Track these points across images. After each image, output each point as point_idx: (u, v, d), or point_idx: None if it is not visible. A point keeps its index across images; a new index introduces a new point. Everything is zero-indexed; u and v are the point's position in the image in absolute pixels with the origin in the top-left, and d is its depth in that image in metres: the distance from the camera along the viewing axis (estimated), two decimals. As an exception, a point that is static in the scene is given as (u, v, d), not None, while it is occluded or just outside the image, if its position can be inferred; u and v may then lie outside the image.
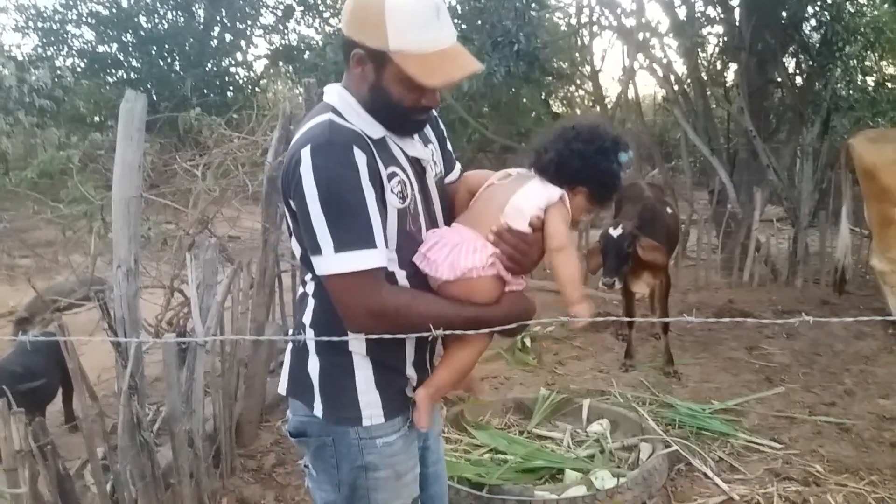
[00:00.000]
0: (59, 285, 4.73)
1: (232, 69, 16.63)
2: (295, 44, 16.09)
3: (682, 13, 8.16)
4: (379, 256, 1.38)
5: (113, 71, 15.51)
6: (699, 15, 8.22)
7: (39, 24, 14.62)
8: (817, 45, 7.45)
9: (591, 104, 14.14)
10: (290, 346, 1.58)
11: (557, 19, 11.48)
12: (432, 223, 1.55)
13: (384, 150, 1.44)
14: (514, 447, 3.39)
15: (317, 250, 1.38)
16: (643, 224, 4.47)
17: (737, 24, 7.76)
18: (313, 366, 1.52)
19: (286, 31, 16.68)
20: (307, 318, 1.53)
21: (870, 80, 8.40)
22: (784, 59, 8.07)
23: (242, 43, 16.62)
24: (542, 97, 12.10)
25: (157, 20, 15.51)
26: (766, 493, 3.05)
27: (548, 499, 2.86)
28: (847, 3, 7.28)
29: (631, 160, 1.57)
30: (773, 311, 6.14)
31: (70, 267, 4.94)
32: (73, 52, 15.30)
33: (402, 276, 1.49)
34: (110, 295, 2.62)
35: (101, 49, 15.27)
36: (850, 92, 7.66)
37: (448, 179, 1.69)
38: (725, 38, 8.24)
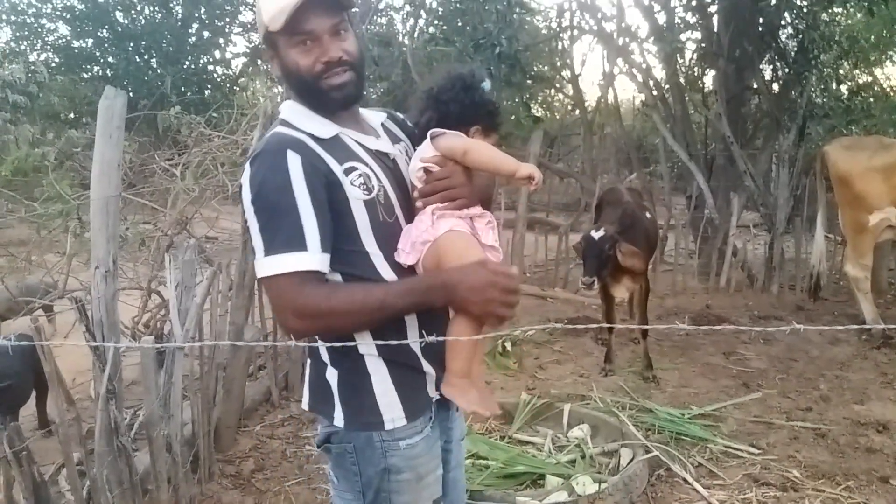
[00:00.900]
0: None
1: (210, 67, 16.47)
2: (274, 42, 15.94)
3: (661, 19, 8.24)
4: (309, 259, 1.37)
5: (88, 67, 15.28)
6: (678, 21, 8.29)
7: (13, 18, 14.35)
8: (793, 53, 7.55)
9: (570, 108, 14.23)
10: (308, 361, 1.59)
11: (538, 23, 11.54)
12: (413, 216, 1.54)
13: (339, 148, 1.47)
14: (495, 452, 3.38)
15: (254, 254, 1.42)
16: (623, 229, 4.50)
17: (715, 30, 7.84)
18: (331, 376, 1.52)
19: (265, 29, 16.52)
20: (292, 340, 1.58)
21: (844, 89, 8.54)
22: (761, 66, 8.17)
23: (221, 40, 16.48)
24: (523, 100, 12.12)
25: (133, 16, 15.31)
26: (744, 499, 3.08)
27: (529, 504, 2.86)
28: (823, 13, 7.39)
29: (490, 85, 1.64)
30: (750, 317, 6.22)
31: (44, 267, 4.84)
32: (48, 46, 15.04)
33: (391, 276, 1.49)
34: (88, 297, 2.57)
35: (76, 44, 15.04)
36: (825, 100, 7.77)
37: None
38: (704, 45, 8.32)
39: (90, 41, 14.94)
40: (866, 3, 6.73)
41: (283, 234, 1.37)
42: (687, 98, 8.55)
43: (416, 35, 9.12)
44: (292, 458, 3.58)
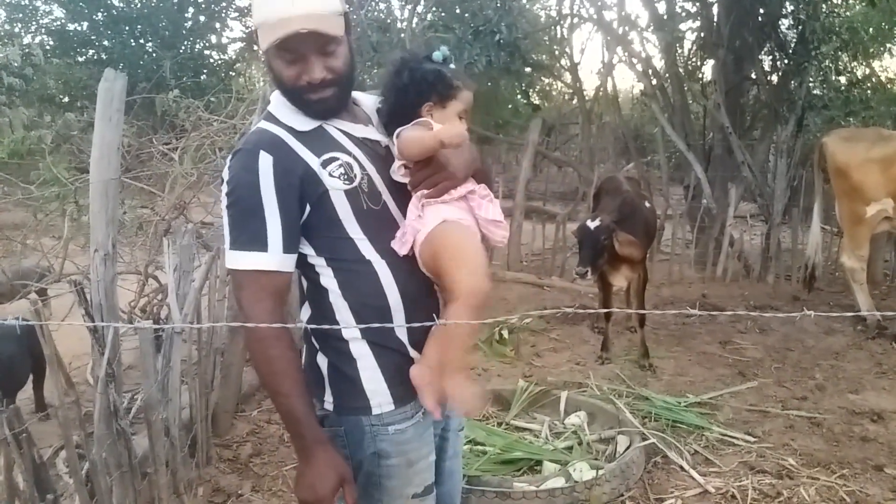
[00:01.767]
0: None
1: (206, 52, 16.36)
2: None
3: (661, 8, 8.22)
4: (267, 259, 1.43)
5: (84, 50, 15.17)
6: (679, 10, 8.27)
7: (7, 1, 14.23)
8: (793, 44, 7.53)
9: (569, 97, 14.19)
10: (304, 346, 1.61)
11: (538, 10, 11.49)
12: (405, 201, 1.54)
13: (319, 139, 1.48)
14: (492, 438, 3.40)
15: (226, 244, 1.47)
16: (622, 218, 4.49)
17: (715, 20, 7.82)
18: (322, 361, 1.55)
19: (262, 14, 16.41)
20: (304, 315, 1.56)
21: (843, 80, 8.52)
22: (760, 57, 8.15)
23: (217, 25, 16.36)
24: (522, 88, 12.09)
25: (129, -1, 15.20)
26: (740, 486, 3.09)
27: (526, 490, 2.87)
28: (823, 3, 7.36)
29: (446, 53, 1.56)
30: (746, 307, 6.24)
31: (41, 251, 4.82)
32: (42, 29, 14.92)
33: (382, 265, 1.49)
34: (86, 280, 2.56)
35: (71, 27, 14.93)
36: (825, 91, 7.75)
37: None
38: (703, 35, 8.29)
39: (85, 24, 14.84)
40: (867, -6, 6.71)
41: (247, 233, 1.43)
42: (686, 88, 8.53)
43: (414, 22, 9.06)
44: (289, 443, 3.58)
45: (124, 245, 4.64)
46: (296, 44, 1.41)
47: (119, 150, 2.49)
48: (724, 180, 7.71)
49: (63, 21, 14.92)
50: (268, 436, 3.67)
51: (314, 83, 1.44)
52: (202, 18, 15.98)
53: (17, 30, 14.39)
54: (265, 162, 1.41)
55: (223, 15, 16.35)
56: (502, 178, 10.93)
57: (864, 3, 7.56)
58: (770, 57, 8.23)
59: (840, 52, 7.89)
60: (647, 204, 5.14)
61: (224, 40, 16.76)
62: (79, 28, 14.94)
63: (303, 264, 1.51)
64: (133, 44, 14.61)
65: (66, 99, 13.95)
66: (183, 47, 15.14)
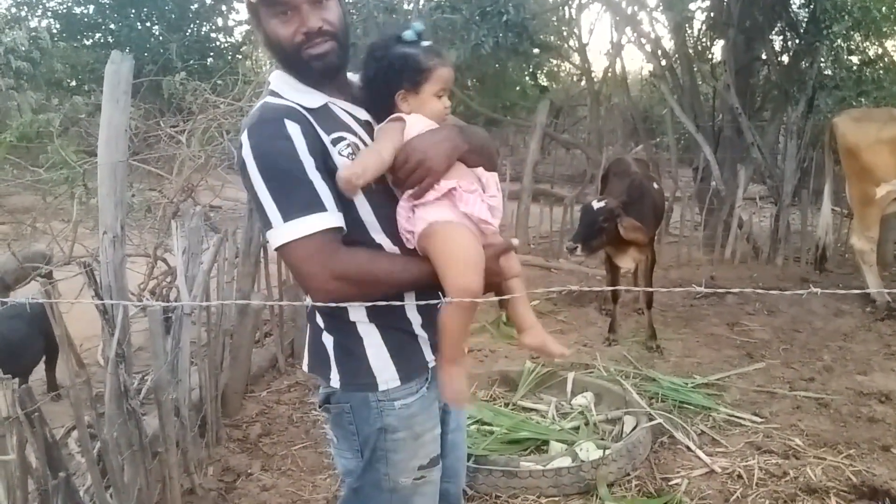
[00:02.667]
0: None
1: (213, 35, 16.29)
2: (277, 9, 15.76)
3: (671, -12, 8.10)
4: (330, 218, 1.39)
5: (90, 33, 15.14)
6: (688, -10, 8.16)
7: (13, -17, 14.20)
8: (804, 23, 7.43)
9: (577, 78, 14.09)
10: (308, 326, 1.61)
11: (546, -9, 11.36)
12: None
13: (327, 118, 1.46)
14: (499, 419, 3.42)
15: (268, 225, 1.40)
16: (631, 200, 4.48)
17: (725, 0, 7.72)
18: (327, 339, 1.55)
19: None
20: (310, 301, 1.54)
21: (855, 60, 8.42)
22: (771, 37, 8.06)
23: (223, 7, 16.27)
24: (530, 70, 12.00)
25: (135, -18, 15.12)
26: (747, 466, 3.10)
27: (533, 469, 2.90)
28: (835, -18, 7.26)
29: (418, 28, 1.49)
30: (754, 288, 6.22)
31: (50, 234, 4.85)
32: (49, 13, 14.89)
33: (389, 247, 1.50)
34: (96, 262, 2.58)
35: (77, 11, 14.89)
36: (836, 71, 7.67)
37: None
38: (713, 14, 8.20)
39: (91, 7, 14.78)
40: (879, -27, 6.62)
41: (299, 198, 1.37)
42: (695, 68, 8.45)
43: (421, 3, 8.99)
44: (298, 423, 3.62)
45: (133, 228, 4.66)
46: None
47: (126, 133, 2.50)
48: (734, 162, 7.66)
49: (70, 4, 14.88)
50: (277, 416, 3.70)
51: (311, 32, 1.43)
52: (208, 1, 15.90)
53: (23, 13, 14.36)
54: (293, 128, 1.38)
55: (230, -4, 16.26)
56: (510, 161, 10.90)
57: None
58: (781, 37, 8.15)
59: (852, 32, 7.79)
60: (656, 186, 5.12)
61: (230, 23, 16.67)
62: (85, 11, 14.88)
63: None
64: (139, 27, 14.57)
65: (74, 82, 13.96)
66: (189, 30, 15.08)
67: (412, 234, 1.46)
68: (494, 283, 1.52)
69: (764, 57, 8.15)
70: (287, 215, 1.37)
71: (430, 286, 1.47)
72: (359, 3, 7.51)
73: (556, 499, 2.87)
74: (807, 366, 4.36)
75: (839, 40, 7.24)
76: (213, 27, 16.24)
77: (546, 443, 3.25)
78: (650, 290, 2.11)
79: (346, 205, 1.44)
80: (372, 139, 1.50)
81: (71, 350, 2.26)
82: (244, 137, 1.42)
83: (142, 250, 4.72)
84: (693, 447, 3.27)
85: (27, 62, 7.83)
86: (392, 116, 1.49)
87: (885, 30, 9.29)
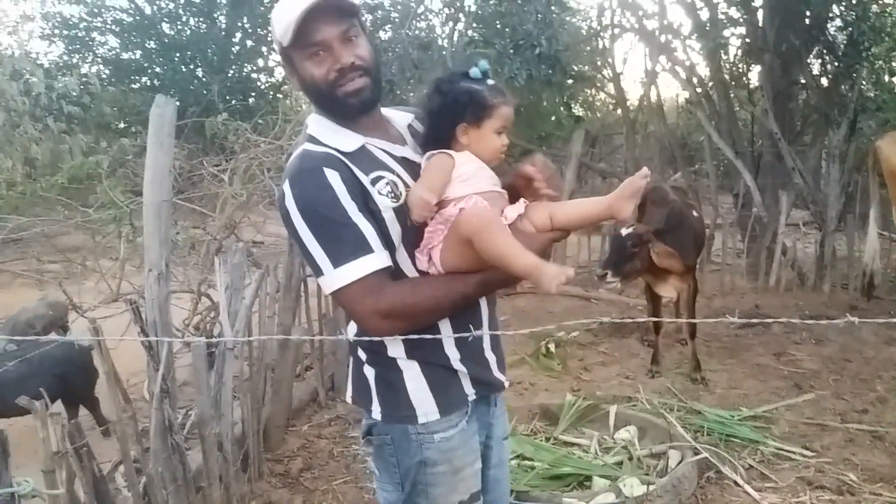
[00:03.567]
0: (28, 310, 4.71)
1: (253, 75, 16.77)
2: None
3: (704, 15, 8.10)
4: (378, 259, 1.43)
5: (137, 77, 15.72)
6: (722, 16, 8.14)
7: (65, 32, 14.84)
8: (843, 46, 7.34)
9: (612, 107, 14.08)
10: (351, 358, 1.64)
11: (578, 22, 11.45)
12: None
13: (364, 159, 1.49)
14: (540, 453, 3.37)
15: (319, 272, 1.45)
16: (669, 228, 4.43)
17: (760, 25, 7.68)
18: (369, 372, 1.58)
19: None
20: (352, 331, 1.58)
21: (896, 81, 8.28)
22: (809, 61, 7.96)
23: (263, 49, 16.76)
24: (564, 100, 12.04)
25: (179, 27, 15.70)
26: (798, 502, 3.01)
27: (576, 505, 2.84)
28: (873, 4, 7.17)
29: (484, 67, 1.53)
30: (801, 317, 6.05)
31: (99, 272, 4.99)
32: (99, 59, 15.52)
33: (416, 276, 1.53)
34: (142, 299, 2.65)
35: (125, 56, 15.49)
36: (878, 93, 7.54)
37: None
38: (749, 40, 8.15)
39: (138, 52, 15.37)
40: (919, -7, 6.53)
41: (347, 244, 1.41)
42: (732, 94, 8.39)
43: (455, 38, 9.13)
44: (339, 458, 3.63)
45: (177, 264, 4.77)
46: (316, 31, 1.44)
47: (171, 173, 2.58)
48: (775, 187, 7.54)
49: (118, 50, 15.49)
50: (318, 450, 3.71)
51: (345, 68, 1.46)
52: (249, 43, 16.40)
53: (75, 60, 14.99)
54: (333, 176, 1.42)
55: (269, 39, 16.74)
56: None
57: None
58: (819, 60, 8.05)
59: (893, 53, 7.68)
60: (695, 213, 5.06)
61: (270, 63, 17.15)
62: (132, 56, 15.48)
63: None
64: (184, 70, 15.07)
65: (122, 125, 14.46)
66: (231, 71, 15.56)
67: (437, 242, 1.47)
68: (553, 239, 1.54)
69: (802, 81, 8.06)
70: (337, 261, 1.42)
71: (475, 299, 1.52)
72: (394, 40, 7.66)
73: (601, 535, 2.80)
74: (859, 397, 4.22)
75: (880, 62, 7.14)
76: (254, 68, 16.73)
77: (589, 478, 3.19)
78: (693, 320, 2.07)
79: (388, 241, 1.47)
80: (409, 175, 1.52)
81: (118, 385, 2.31)
82: (286, 187, 1.45)
83: (186, 286, 4.82)
84: (741, 482, 3.18)
85: (78, 107, 8.17)
86: (438, 151, 1.52)
87: (927, 50, 9.13)
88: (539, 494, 2.95)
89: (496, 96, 1.52)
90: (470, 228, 1.40)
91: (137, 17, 15.09)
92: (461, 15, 9.52)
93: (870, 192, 5.91)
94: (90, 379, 3.87)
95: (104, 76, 14.96)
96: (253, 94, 16.04)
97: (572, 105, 13.07)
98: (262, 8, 15.60)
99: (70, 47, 15.03)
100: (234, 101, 12.60)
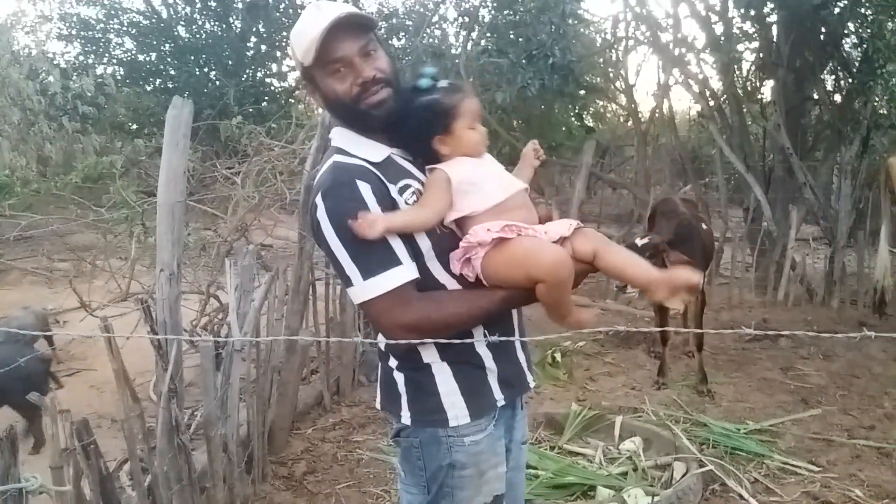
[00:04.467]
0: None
1: (267, 80, 16.85)
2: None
3: (718, 29, 8.10)
4: (405, 271, 1.45)
5: (152, 79, 15.82)
6: (736, 31, 8.14)
7: (83, 33, 14.97)
8: (857, 63, 7.33)
9: (624, 119, 14.09)
10: (379, 365, 1.67)
11: (592, 34, 11.47)
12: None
13: (391, 168, 1.53)
14: (545, 462, 3.37)
15: (349, 283, 1.47)
16: (679, 240, 4.42)
17: (774, 40, 7.67)
18: (398, 377, 1.60)
19: (320, 43, 16.85)
20: (381, 343, 1.62)
21: (910, 99, 8.24)
22: (822, 76, 7.95)
23: (278, 54, 16.84)
24: (576, 111, 12.06)
25: (195, 30, 15.79)
26: (803, 517, 2.99)
27: (580, 515, 2.84)
28: (888, 21, 7.15)
29: (429, 74, 1.55)
30: (809, 332, 6.03)
31: (108, 270, 5.03)
32: (114, 60, 15.64)
33: (452, 283, 1.54)
34: (152, 299, 2.67)
35: (140, 58, 15.59)
36: (891, 110, 7.51)
37: None
38: (762, 55, 8.15)
39: (154, 55, 15.46)
40: (934, 12, 6.51)
41: (376, 257, 1.44)
42: (744, 109, 8.37)
43: (469, 47, 9.17)
44: (343, 462, 3.63)
45: (188, 265, 4.80)
46: (336, 48, 1.47)
47: (185, 175, 2.60)
48: (785, 202, 7.52)
49: (133, 52, 15.60)
50: (322, 454, 3.72)
51: (367, 81, 1.49)
52: (263, 48, 16.47)
53: (90, 61, 15.11)
54: (365, 189, 1.45)
55: (284, 44, 16.83)
56: (556, 201, 10.87)
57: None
58: (833, 76, 8.03)
59: (908, 71, 7.64)
60: (704, 226, 5.06)
61: (284, 68, 17.22)
62: (148, 58, 15.57)
63: None
64: (198, 73, 15.15)
65: (136, 126, 14.55)
66: (245, 75, 15.63)
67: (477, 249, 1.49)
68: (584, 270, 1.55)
69: (815, 97, 8.04)
70: (367, 273, 1.44)
71: (498, 314, 1.54)
72: (408, 48, 7.70)
73: (603, 546, 2.80)
74: (866, 413, 4.19)
75: (894, 79, 7.10)
76: (268, 73, 16.79)
77: (593, 488, 3.19)
78: (700, 331, 2.08)
79: (416, 252, 1.49)
80: None
81: (126, 384, 2.33)
82: (318, 200, 1.47)
83: (196, 287, 4.85)
84: (746, 496, 3.17)
85: (93, 107, 8.23)
86: (430, 168, 1.55)
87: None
88: (543, 503, 2.95)
89: (452, 97, 1.54)
90: (546, 276, 1.43)
91: (153, 20, 15.19)
92: (475, 24, 9.57)
93: (881, 209, 5.89)
94: (25, 388, 3.78)
95: (119, 77, 15.07)
96: (266, 98, 16.09)
97: (584, 116, 13.08)
98: (277, 13, 15.71)
99: (86, 48, 15.15)
100: (247, 105, 12.65)
